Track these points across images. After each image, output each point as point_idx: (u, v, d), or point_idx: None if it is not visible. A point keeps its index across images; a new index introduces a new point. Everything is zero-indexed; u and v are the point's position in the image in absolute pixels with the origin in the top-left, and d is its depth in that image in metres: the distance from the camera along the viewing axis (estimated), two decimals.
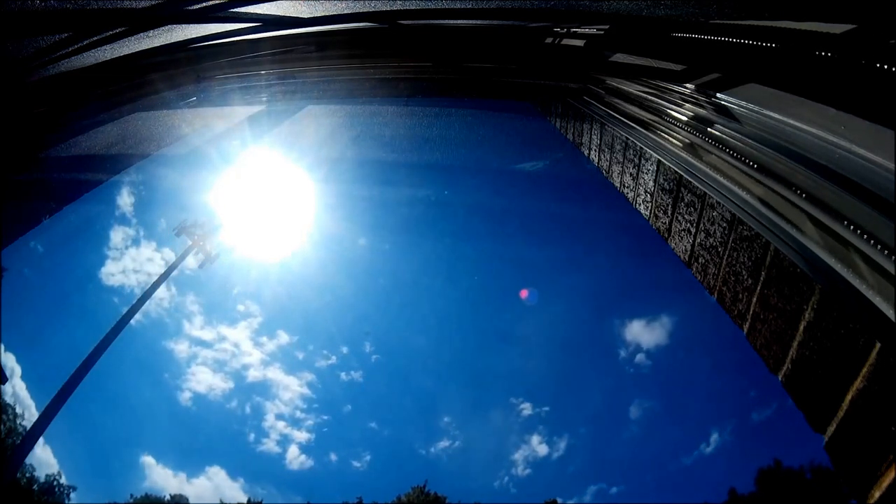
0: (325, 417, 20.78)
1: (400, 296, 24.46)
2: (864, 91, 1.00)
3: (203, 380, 20.45)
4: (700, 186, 1.70)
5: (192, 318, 21.99)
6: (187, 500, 16.86)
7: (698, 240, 1.79)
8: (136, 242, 20.02)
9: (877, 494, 0.91)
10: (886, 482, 0.89)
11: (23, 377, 15.33)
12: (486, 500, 19.25)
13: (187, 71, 3.30)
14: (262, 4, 2.32)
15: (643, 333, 21.58)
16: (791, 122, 1.16)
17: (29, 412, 14.17)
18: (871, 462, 0.93)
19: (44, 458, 14.82)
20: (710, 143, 1.58)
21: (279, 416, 20.70)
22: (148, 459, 19.06)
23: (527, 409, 20.16)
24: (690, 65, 1.72)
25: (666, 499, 18.28)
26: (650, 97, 2.09)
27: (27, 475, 14.05)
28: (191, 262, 9.60)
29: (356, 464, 20.83)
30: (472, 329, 25.02)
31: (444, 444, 20.69)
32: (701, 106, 1.65)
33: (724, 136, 1.50)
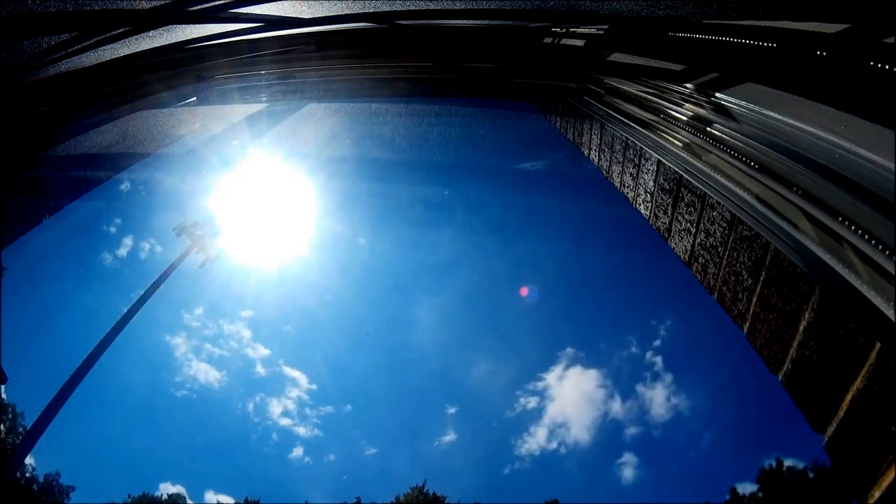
0: (328, 410, 20.76)
1: (400, 295, 24.48)
2: (863, 91, 1.00)
3: (201, 377, 20.47)
4: (700, 186, 1.70)
5: (191, 317, 22.04)
6: (185, 499, 16.86)
7: (698, 240, 1.79)
8: (135, 242, 20.06)
9: (877, 494, 0.91)
10: (886, 482, 0.89)
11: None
12: (485, 500, 19.25)
13: (188, 71, 3.30)
14: (263, 5, 2.33)
15: (644, 332, 21.57)
16: (790, 121, 1.16)
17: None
18: (871, 462, 0.93)
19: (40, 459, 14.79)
20: (710, 142, 1.58)
21: (282, 415, 20.71)
22: (148, 462, 19.08)
23: (532, 403, 20.15)
24: (690, 64, 1.72)
25: (667, 498, 18.28)
26: (650, 97, 2.09)
27: (27, 475, 14.06)
28: (191, 261, 9.61)
29: (355, 463, 20.85)
30: (473, 327, 25.05)
31: (444, 443, 20.71)
32: (700, 105, 1.65)
33: (723, 136, 1.50)
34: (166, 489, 16.33)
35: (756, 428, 19.00)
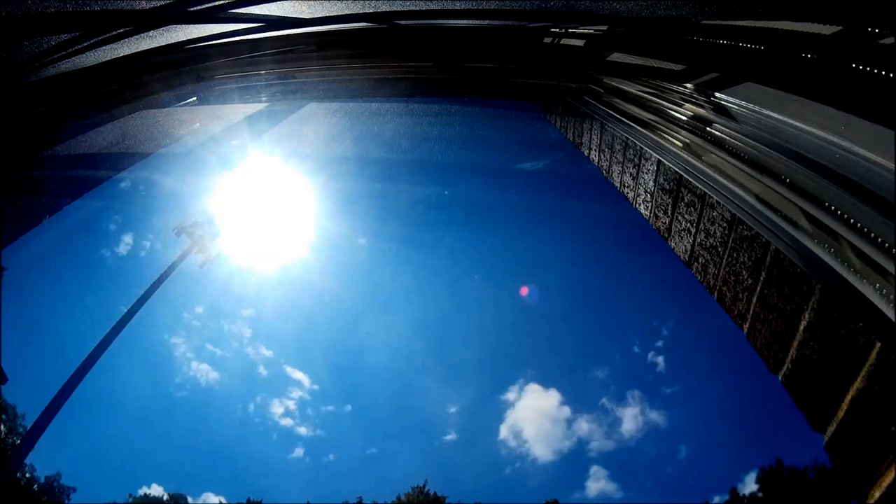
0: (329, 409, 20.75)
1: (400, 295, 24.48)
2: (863, 91, 1.00)
3: (202, 378, 20.48)
4: (700, 186, 1.70)
5: (191, 317, 22.04)
6: (186, 499, 16.85)
7: (698, 240, 1.79)
8: (135, 242, 20.06)
9: (877, 494, 0.91)
10: (886, 482, 0.89)
11: None
12: (486, 500, 19.25)
13: (188, 71, 3.30)
14: (263, 5, 2.33)
15: (645, 333, 21.56)
16: (790, 121, 1.16)
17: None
18: (871, 462, 0.93)
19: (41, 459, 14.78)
20: (710, 142, 1.58)
21: (283, 415, 20.71)
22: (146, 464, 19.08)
23: (529, 403, 20.13)
24: (689, 64, 1.72)
25: (667, 498, 18.27)
26: (650, 97, 2.09)
27: (27, 475, 14.06)
28: (191, 261, 9.60)
29: (356, 463, 20.84)
30: (473, 327, 25.05)
31: (444, 443, 20.71)
32: (700, 105, 1.65)
33: (723, 136, 1.50)
34: (143, 491, 16.26)
35: (756, 428, 19.01)
